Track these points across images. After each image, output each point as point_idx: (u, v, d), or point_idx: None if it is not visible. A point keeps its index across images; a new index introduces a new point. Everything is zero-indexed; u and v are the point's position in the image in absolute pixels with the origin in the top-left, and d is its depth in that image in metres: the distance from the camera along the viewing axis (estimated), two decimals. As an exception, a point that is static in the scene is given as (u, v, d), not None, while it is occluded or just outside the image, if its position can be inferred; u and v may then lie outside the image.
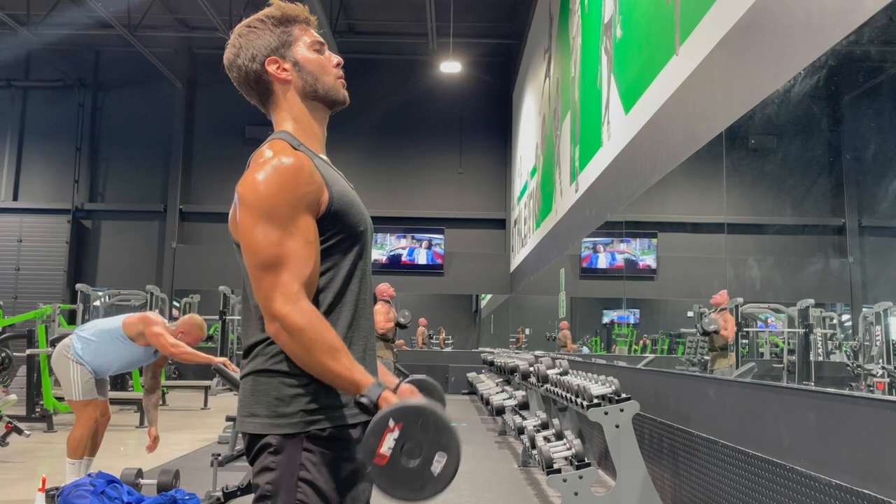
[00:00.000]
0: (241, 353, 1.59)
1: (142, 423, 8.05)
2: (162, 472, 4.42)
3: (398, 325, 8.72)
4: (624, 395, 3.62)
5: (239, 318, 8.43)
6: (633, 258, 6.37)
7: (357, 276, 1.54)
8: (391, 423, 1.32)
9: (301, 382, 1.44)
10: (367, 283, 1.58)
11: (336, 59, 1.62)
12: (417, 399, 1.39)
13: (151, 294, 11.29)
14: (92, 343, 4.44)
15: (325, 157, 1.58)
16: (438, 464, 1.33)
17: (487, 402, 7.24)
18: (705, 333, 4.53)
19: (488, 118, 15.08)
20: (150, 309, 11.17)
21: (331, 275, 1.49)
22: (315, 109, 1.60)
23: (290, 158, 1.45)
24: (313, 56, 1.58)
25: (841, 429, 2.29)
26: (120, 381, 10.00)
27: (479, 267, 14.68)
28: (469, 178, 15.06)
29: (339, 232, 1.50)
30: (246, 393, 1.48)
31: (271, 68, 1.56)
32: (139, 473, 4.37)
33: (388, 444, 1.32)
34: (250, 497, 1.51)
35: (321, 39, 1.62)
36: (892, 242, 3.72)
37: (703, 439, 3.39)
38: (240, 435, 1.51)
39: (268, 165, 1.44)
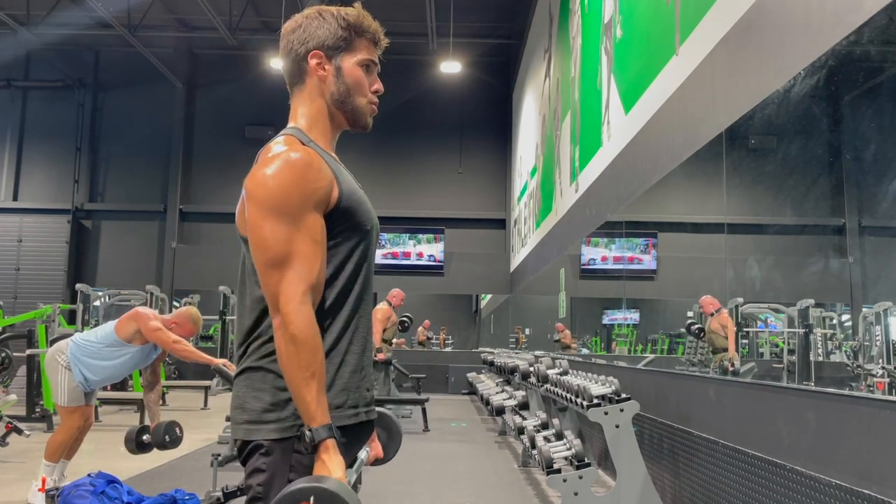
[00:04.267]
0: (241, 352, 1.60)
1: (142, 423, 8.04)
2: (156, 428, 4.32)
3: (402, 323, 8.74)
4: (624, 395, 3.62)
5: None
6: (626, 257, 6.37)
7: (361, 275, 1.54)
8: (300, 501, 1.29)
9: None
10: (369, 283, 1.58)
11: (378, 85, 1.64)
12: (333, 481, 1.33)
13: (151, 294, 11.29)
14: (90, 348, 4.34)
15: (334, 156, 1.59)
16: None
17: (487, 402, 7.24)
18: (690, 332, 4.57)
19: (488, 118, 15.07)
20: (150, 308, 11.14)
21: (334, 270, 1.49)
22: (334, 117, 1.60)
23: (298, 153, 1.45)
24: (358, 72, 1.59)
25: (841, 429, 2.29)
26: (120, 381, 9.99)
27: (479, 267, 14.68)
28: (469, 178, 15.06)
29: (346, 229, 1.50)
30: (238, 396, 1.48)
31: (312, 61, 1.56)
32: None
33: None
34: (250, 497, 1.51)
35: (376, 61, 1.64)
36: (892, 242, 3.72)
37: (703, 439, 3.39)
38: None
39: (277, 160, 1.44)
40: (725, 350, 4.39)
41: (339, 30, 1.57)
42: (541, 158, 10.31)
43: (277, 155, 1.45)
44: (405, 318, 8.92)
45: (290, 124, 1.58)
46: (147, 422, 4.45)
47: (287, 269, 1.40)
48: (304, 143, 1.49)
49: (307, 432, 1.38)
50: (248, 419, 1.45)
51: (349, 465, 1.54)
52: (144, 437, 4.28)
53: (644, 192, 4.86)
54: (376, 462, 1.79)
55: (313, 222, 1.43)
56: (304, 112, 1.58)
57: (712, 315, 4.55)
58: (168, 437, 4.21)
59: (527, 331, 12.92)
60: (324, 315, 1.47)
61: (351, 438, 1.50)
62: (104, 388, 8.02)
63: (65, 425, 4.35)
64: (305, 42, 1.56)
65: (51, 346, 7.81)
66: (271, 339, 1.45)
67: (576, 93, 7.51)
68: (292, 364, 1.39)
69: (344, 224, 1.49)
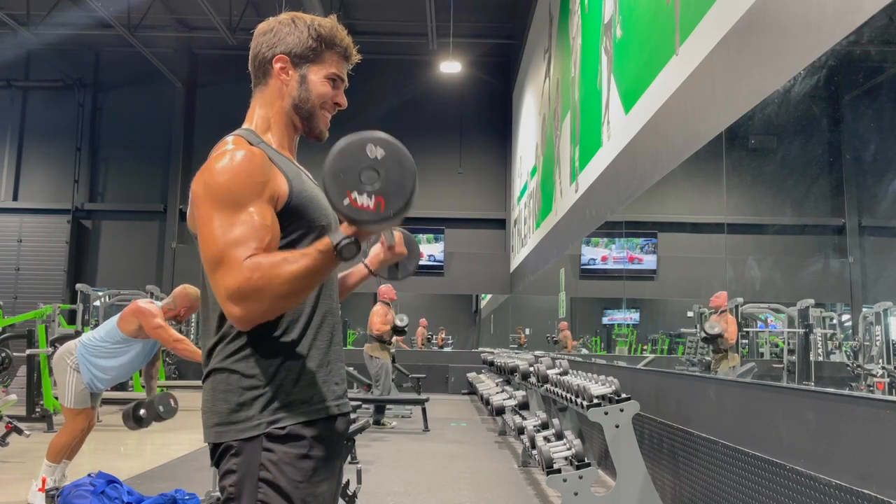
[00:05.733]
0: None
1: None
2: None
3: (395, 329, 8.67)
4: (624, 395, 3.62)
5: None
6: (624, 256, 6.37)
7: None
8: (346, 201, 1.31)
9: (258, 382, 1.45)
10: (331, 279, 1.58)
11: (341, 100, 1.63)
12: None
13: (151, 294, 11.29)
14: (98, 348, 4.33)
15: (290, 156, 1.59)
16: (375, 151, 1.33)
17: (487, 402, 7.24)
18: (708, 339, 4.47)
19: (488, 118, 15.08)
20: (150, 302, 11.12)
21: None
22: (291, 123, 1.61)
23: (242, 152, 1.46)
24: (322, 84, 1.59)
25: (841, 429, 2.29)
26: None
27: (479, 267, 14.68)
28: (469, 178, 15.06)
29: (299, 227, 1.50)
30: (207, 400, 1.49)
31: (276, 65, 1.58)
32: None
33: (366, 202, 1.31)
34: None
35: (344, 77, 1.63)
36: (892, 242, 3.72)
37: (703, 439, 3.39)
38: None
39: (222, 159, 1.46)
40: (727, 351, 4.39)
41: (310, 40, 1.57)
42: (541, 158, 10.31)
43: (223, 154, 1.47)
44: (397, 325, 8.82)
45: (244, 125, 1.60)
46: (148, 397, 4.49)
47: (231, 255, 1.37)
48: (252, 144, 1.50)
49: (343, 245, 1.35)
50: (217, 422, 1.47)
51: (335, 463, 1.53)
52: (141, 412, 4.29)
53: (644, 192, 4.86)
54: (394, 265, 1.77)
55: (262, 210, 1.43)
56: (261, 114, 1.60)
57: (720, 313, 4.52)
58: (162, 407, 4.24)
59: (527, 331, 12.92)
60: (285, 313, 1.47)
61: (323, 433, 1.49)
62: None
63: (68, 427, 4.34)
64: (273, 46, 1.58)
65: (52, 346, 7.87)
66: (235, 339, 1.46)
67: (576, 93, 7.51)
68: (280, 286, 1.35)
69: (297, 222, 1.50)
